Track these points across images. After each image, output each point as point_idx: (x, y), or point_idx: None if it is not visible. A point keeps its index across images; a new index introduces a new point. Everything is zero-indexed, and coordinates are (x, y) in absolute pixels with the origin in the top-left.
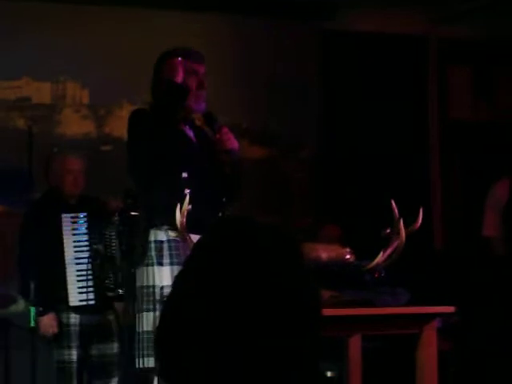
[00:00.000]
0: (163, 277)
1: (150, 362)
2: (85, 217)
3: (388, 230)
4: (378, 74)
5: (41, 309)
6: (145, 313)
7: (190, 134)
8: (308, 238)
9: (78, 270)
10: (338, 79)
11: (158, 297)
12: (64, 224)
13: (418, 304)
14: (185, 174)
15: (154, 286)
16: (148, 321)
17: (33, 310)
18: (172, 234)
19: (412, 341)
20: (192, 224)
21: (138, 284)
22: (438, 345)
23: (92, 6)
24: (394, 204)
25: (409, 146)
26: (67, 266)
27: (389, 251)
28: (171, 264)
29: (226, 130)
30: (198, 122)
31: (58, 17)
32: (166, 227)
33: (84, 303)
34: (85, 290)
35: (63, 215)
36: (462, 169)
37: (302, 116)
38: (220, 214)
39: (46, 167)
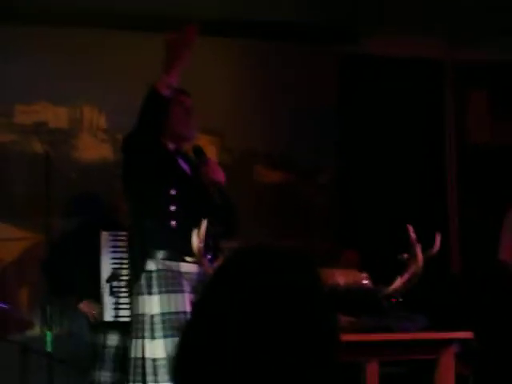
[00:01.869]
0: (152, 306)
1: None
2: (124, 235)
3: (405, 255)
4: (395, 98)
5: (75, 298)
6: (134, 340)
7: (185, 166)
8: (327, 263)
9: (113, 287)
10: (356, 103)
11: (147, 325)
12: (103, 240)
13: (436, 329)
14: (172, 208)
15: (144, 315)
16: (137, 348)
17: (49, 334)
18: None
19: (430, 366)
20: (185, 253)
21: (133, 312)
22: (456, 370)
23: (110, 30)
24: (411, 229)
25: (426, 170)
26: (102, 282)
27: (406, 276)
28: (160, 293)
29: (212, 162)
30: (191, 156)
31: (75, 41)
32: (161, 255)
33: (115, 320)
34: (117, 306)
35: (103, 232)
36: (480, 193)
37: (321, 140)
38: (210, 245)
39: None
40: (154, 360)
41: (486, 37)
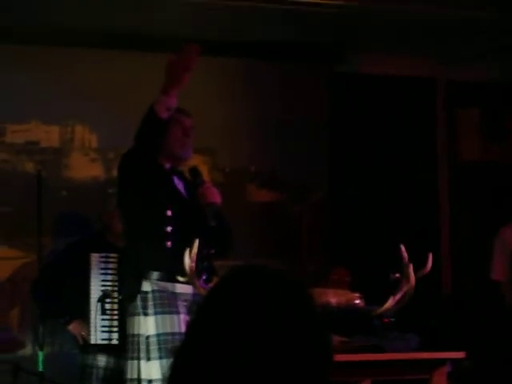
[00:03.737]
0: (148, 326)
1: None
2: (115, 257)
3: (397, 275)
4: (386, 117)
5: (64, 320)
6: (129, 361)
7: (180, 186)
8: (318, 282)
9: (102, 309)
10: (347, 122)
11: (142, 346)
12: (92, 262)
13: (428, 349)
14: (168, 228)
15: (139, 335)
16: (133, 369)
17: (41, 354)
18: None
19: None
20: (179, 274)
21: (128, 332)
22: None
23: (102, 50)
24: (403, 248)
25: (418, 188)
26: (92, 303)
27: (398, 296)
28: (155, 314)
29: (208, 184)
30: (187, 175)
31: (67, 60)
32: (156, 276)
33: (106, 342)
34: (108, 328)
35: (92, 254)
36: (472, 212)
37: (311, 159)
38: (205, 266)
39: (101, 207)
40: (150, 381)
41: (478, 56)
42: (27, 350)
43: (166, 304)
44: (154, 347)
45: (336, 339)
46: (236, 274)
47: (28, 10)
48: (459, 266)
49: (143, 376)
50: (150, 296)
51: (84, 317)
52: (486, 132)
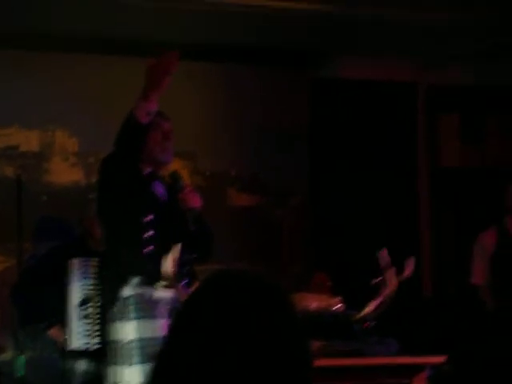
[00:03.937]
0: (129, 332)
1: None
2: (96, 261)
3: (378, 279)
4: (366, 121)
5: (44, 325)
6: (110, 366)
7: (160, 190)
8: (298, 286)
9: (83, 314)
10: (327, 126)
11: (124, 351)
12: (73, 267)
13: (408, 354)
14: (149, 234)
15: (120, 341)
16: (114, 374)
17: (21, 358)
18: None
19: None
20: (160, 279)
21: (109, 337)
22: None
23: (82, 54)
24: (383, 253)
25: (399, 193)
26: (71, 308)
27: (378, 301)
28: (136, 319)
29: (189, 189)
30: (168, 180)
31: (47, 65)
32: (136, 281)
33: (86, 347)
34: (88, 333)
35: (73, 260)
36: (451, 216)
37: (292, 163)
38: (185, 270)
39: (81, 212)
40: None
41: (458, 60)
42: (7, 355)
43: (147, 309)
44: (135, 352)
45: (316, 344)
46: (217, 279)
47: (11, 14)
48: (440, 270)
49: (124, 381)
50: (130, 301)
51: (64, 322)
52: (466, 137)
